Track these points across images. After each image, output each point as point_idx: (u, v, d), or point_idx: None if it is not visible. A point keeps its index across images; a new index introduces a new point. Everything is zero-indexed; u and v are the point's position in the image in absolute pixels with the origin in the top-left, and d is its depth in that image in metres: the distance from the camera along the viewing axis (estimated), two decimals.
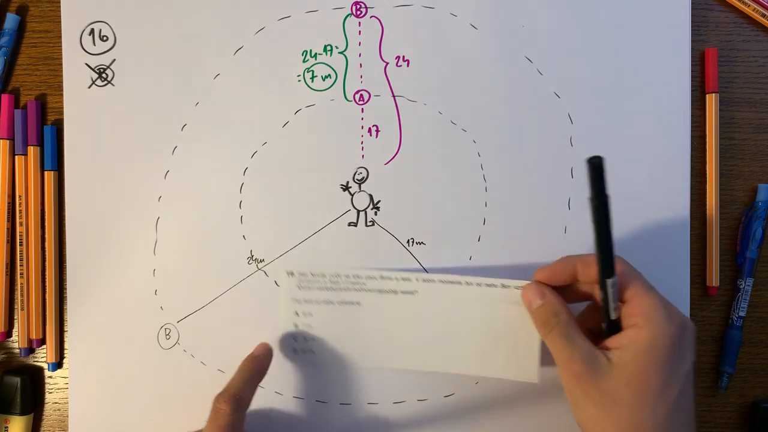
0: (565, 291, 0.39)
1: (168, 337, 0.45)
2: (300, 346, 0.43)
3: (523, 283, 0.40)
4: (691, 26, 0.44)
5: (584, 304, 0.40)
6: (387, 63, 0.45)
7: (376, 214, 0.45)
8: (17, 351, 0.46)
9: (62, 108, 0.45)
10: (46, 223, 0.45)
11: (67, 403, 0.45)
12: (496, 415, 0.44)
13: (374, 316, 0.43)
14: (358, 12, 0.45)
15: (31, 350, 0.46)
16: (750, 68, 0.46)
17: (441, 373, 0.43)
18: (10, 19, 0.45)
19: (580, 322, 0.37)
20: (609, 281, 0.35)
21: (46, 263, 0.45)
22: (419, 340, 0.43)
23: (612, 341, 0.35)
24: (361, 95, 0.45)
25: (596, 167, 0.32)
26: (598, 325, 0.37)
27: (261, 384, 0.44)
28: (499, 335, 0.42)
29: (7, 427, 0.44)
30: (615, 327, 0.36)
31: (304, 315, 0.43)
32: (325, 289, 0.43)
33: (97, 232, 0.45)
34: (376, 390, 0.44)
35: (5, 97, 0.45)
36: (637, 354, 0.33)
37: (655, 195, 0.44)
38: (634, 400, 0.33)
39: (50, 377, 0.46)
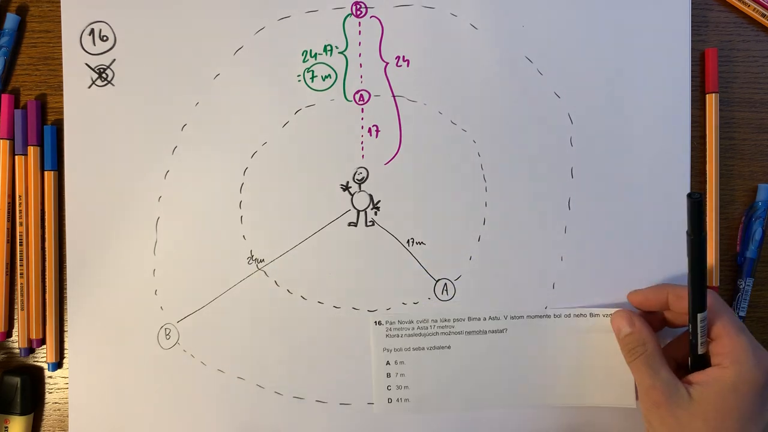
0: (653, 316, 0.40)
1: (168, 337, 0.45)
2: (395, 396, 0.44)
3: (611, 311, 0.41)
4: (691, 26, 0.44)
5: (673, 332, 0.41)
6: (387, 63, 0.45)
7: (376, 214, 0.45)
8: (17, 351, 0.46)
9: (62, 108, 0.45)
10: (46, 223, 0.45)
11: (67, 403, 0.45)
12: (495, 414, 0.44)
13: (466, 359, 0.44)
14: (358, 12, 0.45)
15: (31, 350, 0.46)
16: (750, 68, 0.46)
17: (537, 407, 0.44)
18: (10, 19, 0.45)
19: (667, 352, 0.38)
20: (699, 316, 0.35)
21: (46, 263, 0.45)
22: (513, 378, 0.43)
23: (696, 376, 0.35)
24: (361, 95, 0.45)
25: (696, 203, 0.33)
26: (686, 357, 0.38)
27: (261, 384, 0.44)
28: (592, 364, 0.43)
29: (7, 427, 0.44)
30: (701, 362, 0.36)
31: (396, 364, 0.44)
32: (414, 335, 0.44)
33: (97, 232, 0.45)
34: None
35: (5, 97, 0.45)
36: (719, 393, 0.34)
37: (655, 195, 0.44)
38: None
39: (50, 377, 0.46)
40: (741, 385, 0.33)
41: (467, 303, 0.44)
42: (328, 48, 0.45)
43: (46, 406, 0.46)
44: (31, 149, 0.45)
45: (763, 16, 0.45)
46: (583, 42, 0.44)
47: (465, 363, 0.44)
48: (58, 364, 0.45)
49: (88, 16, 0.45)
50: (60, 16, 0.45)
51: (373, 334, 0.44)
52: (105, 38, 0.45)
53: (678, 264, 0.44)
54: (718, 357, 0.35)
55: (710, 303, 0.35)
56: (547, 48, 0.44)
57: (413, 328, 0.44)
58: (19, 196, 0.45)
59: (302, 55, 0.45)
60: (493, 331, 0.44)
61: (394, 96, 0.45)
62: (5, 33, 0.45)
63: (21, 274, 0.45)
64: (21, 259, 0.45)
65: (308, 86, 0.45)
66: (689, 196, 0.33)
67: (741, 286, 0.45)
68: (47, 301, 0.45)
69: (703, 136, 0.45)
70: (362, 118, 0.45)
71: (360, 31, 0.45)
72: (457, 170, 0.44)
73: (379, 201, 0.45)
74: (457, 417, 0.44)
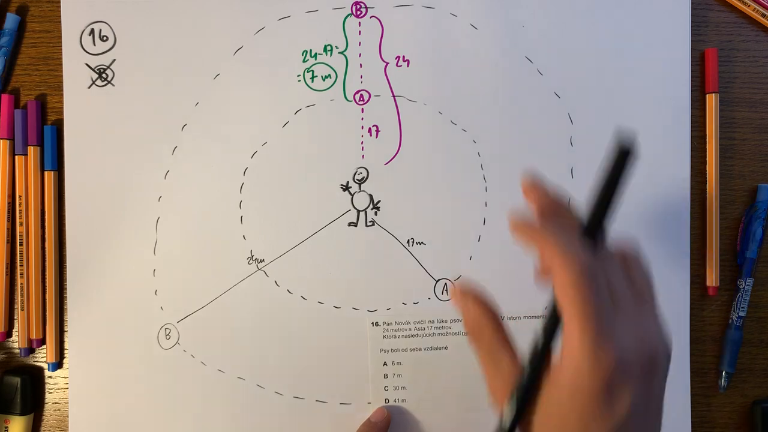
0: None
1: (168, 337, 0.45)
2: (392, 396, 0.44)
3: None
4: (691, 26, 0.44)
5: None
6: (387, 63, 0.45)
7: (376, 214, 0.45)
8: (17, 351, 0.46)
9: (62, 108, 0.45)
10: (46, 223, 0.45)
11: (67, 403, 0.45)
12: (492, 415, 0.44)
13: (463, 359, 0.44)
14: (358, 12, 0.45)
15: (31, 350, 0.46)
16: (750, 68, 0.46)
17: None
18: (10, 19, 0.45)
19: None
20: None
21: (46, 263, 0.45)
22: None
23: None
24: (361, 95, 0.45)
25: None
26: None
27: (261, 384, 0.44)
28: None
29: (7, 427, 0.44)
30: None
31: (393, 364, 0.44)
32: (411, 336, 0.44)
33: (97, 232, 0.45)
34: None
35: (5, 97, 0.45)
36: (555, 398, 0.28)
37: (655, 195, 0.44)
38: None
39: (50, 377, 0.46)
40: (576, 393, 0.27)
41: None
42: (328, 48, 0.45)
43: (46, 406, 0.46)
44: (31, 149, 0.45)
45: (763, 16, 0.45)
46: (583, 42, 0.44)
47: (462, 364, 0.44)
48: (58, 364, 0.45)
49: (88, 16, 0.45)
50: (60, 16, 0.45)
51: (370, 335, 0.44)
52: (105, 38, 0.45)
53: (679, 263, 0.44)
54: (561, 349, 0.28)
55: (571, 269, 0.26)
56: (547, 48, 0.44)
57: (410, 329, 0.44)
58: (19, 196, 0.45)
59: (302, 55, 0.45)
60: None
61: (394, 96, 0.45)
62: (5, 33, 0.45)
63: (21, 274, 0.45)
64: (21, 259, 0.45)
65: (308, 86, 0.45)
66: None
67: (741, 286, 0.45)
68: (47, 301, 0.45)
69: (703, 136, 0.45)
70: (362, 118, 0.45)
71: (360, 31, 0.45)
72: (457, 170, 0.44)
73: (379, 201, 0.45)
74: (454, 417, 0.44)
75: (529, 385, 0.29)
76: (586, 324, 0.26)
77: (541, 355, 0.29)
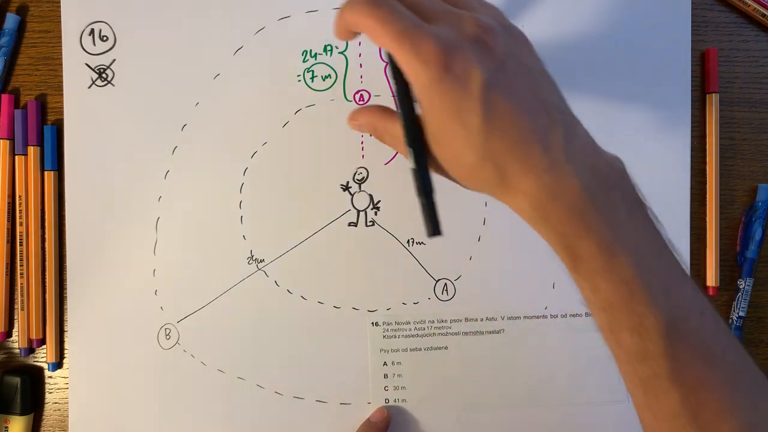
0: None
1: (168, 337, 0.45)
2: (392, 396, 0.44)
3: None
4: (691, 26, 0.44)
5: None
6: (387, 63, 0.45)
7: (376, 214, 0.45)
8: (17, 351, 0.45)
9: (62, 108, 0.45)
10: (46, 223, 0.45)
11: (67, 403, 0.45)
12: (493, 414, 0.44)
13: (463, 359, 0.44)
14: None
15: (31, 350, 0.46)
16: (750, 68, 0.46)
17: (531, 409, 0.44)
18: (10, 19, 0.45)
19: None
20: None
21: (46, 263, 0.45)
22: (511, 379, 0.44)
23: None
24: (361, 95, 0.45)
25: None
26: None
27: (261, 384, 0.44)
28: (588, 363, 0.43)
29: (7, 427, 0.44)
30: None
31: (393, 364, 0.44)
32: (411, 336, 0.44)
33: (97, 232, 0.45)
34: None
35: (5, 97, 0.45)
36: (428, 114, 0.30)
37: (655, 195, 0.44)
38: (448, 151, 0.31)
39: (50, 377, 0.46)
40: (432, 94, 0.29)
41: (467, 303, 0.44)
42: (328, 48, 0.45)
43: (46, 406, 0.46)
44: (31, 149, 0.45)
45: (763, 16, 0.45)
46: (583, 42, 0.44)
47: (462, 364, 0.44)
48: (58, 364, 0.45)
49: (88, 16, 0.45)
50: (60, 16, 0.45)
51: (370, 334, 0.44)
52: (105, 38, 0.45)
53: None
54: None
55: None
56: (547, 48, 0.44)
57: (410, 329, 0.44)
58: (19, 196, 0.45)
59: (302, 55, 0.45)
60: (490, 332, 0.44)
61: (394, 96, 0.44)
62: (5, 33, 0.45)
63: (21, 274, 0.45)
64: (21, 259, 0.45)
65: (308, 86, 0.45)
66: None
67: (741, 286, 0.45)
68: (47, 301, 0.45)
69: (703, 136, 0.45)
70: None
71: None
72: None
73: (379, 201, 0.45)
74: (454, 417, 0.44)
75: (407, 120, 0.31)
76: (395, 36, 0.28)
77: (402, 92, 0.31)
